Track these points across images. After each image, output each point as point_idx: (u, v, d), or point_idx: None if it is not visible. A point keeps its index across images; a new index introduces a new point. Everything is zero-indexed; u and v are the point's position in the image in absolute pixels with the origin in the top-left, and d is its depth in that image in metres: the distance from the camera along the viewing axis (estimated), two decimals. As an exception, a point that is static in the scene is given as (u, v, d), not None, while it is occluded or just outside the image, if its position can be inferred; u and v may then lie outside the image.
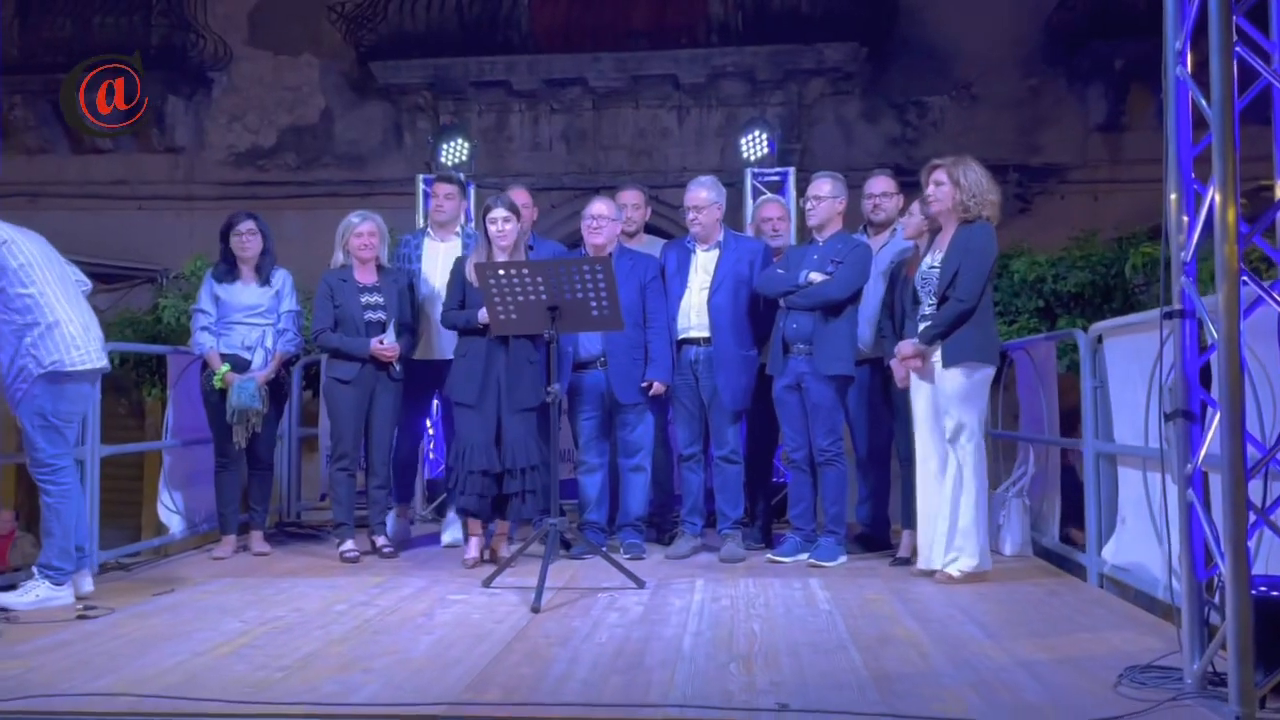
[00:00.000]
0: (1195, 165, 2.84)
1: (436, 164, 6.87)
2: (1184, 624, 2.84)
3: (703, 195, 5.22)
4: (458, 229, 5.69)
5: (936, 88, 11.28)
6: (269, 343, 5.23)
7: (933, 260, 4.51)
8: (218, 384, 5.11)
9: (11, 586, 4.18)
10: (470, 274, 4.87)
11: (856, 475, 5.33)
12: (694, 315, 5.22)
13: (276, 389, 5.30)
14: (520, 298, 4.40)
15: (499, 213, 4.86)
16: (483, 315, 4.71)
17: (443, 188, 5.64)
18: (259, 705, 2.78)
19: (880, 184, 5.41)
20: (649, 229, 5.96)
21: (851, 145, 11.26)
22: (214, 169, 11.78)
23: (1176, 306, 2.84)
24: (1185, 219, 2.83)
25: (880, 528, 5.33)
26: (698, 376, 5.23)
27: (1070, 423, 5.25)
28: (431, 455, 6.56)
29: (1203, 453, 2.76)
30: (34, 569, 4.10)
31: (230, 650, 3.41)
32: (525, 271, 4.38)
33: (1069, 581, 4.67)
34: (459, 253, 5.39)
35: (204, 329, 5.19)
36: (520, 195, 5.50)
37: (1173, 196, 2.84)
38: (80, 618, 3.92)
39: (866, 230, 5.42)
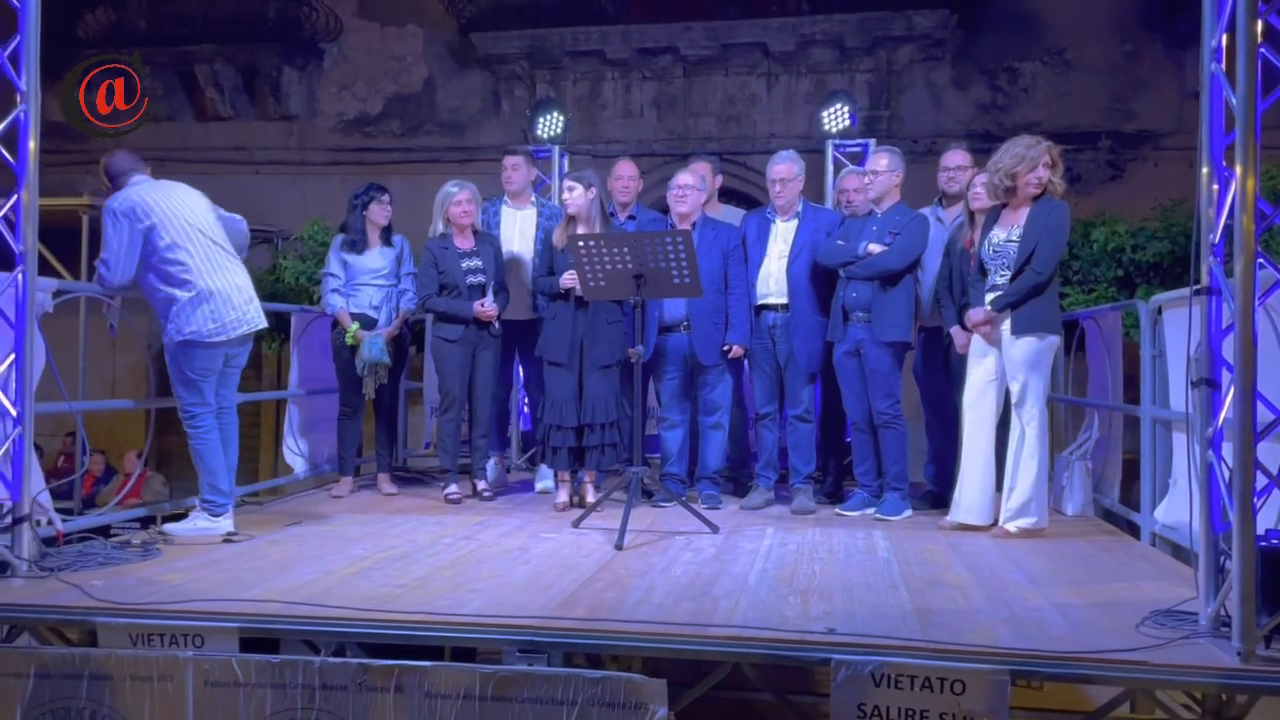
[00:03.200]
0: (1226, 154, 3.07)
1: (532, 136, 7.22)
2: (1200, 571, 3.12)
3: (789, 169, 5.44)
4: (532, 198, 5.95)
5: (1028, 53, 11.30)
6: (393, 302, 5.61)
7: (1008, 234, 4.64)
8: (350, 341, 5.47)
9: (177, 517, 4.71)
10: (557, 240, 5.22)
11: (926, 438, 5.57)
12: (772, 282, 5.45)
13: (398, 344, 5.68)
14: (608, 266, 4.66)
15: (567, 183, 5.27)
16: (565, 280, 5.05)
17: (509, 159, 5.90)
18: (386, 613, 3.26)
19: (955, 158, 5.58)
20: (733, 195, 6.20)
21: (940, 112, 11.39)
22: (325, 136, 12.49)
23: (1204, 284, 3.10)
24: (1215, 203, 3.08)
25: (946, 486, 5.43)
26: (775, 340, 5.48)
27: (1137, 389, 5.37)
28: (526, 409, 6.95)
29: (1222, 416, 3.03)
30: (196, 501, 4.62)
31: (355, 571, 3.92)
32: (613, 242, 4.65)
33: (1122, 539, 4.88)
34: (534, 220, 5.70)
35: (334, 291, 5.58)
36: (627, 167, 5.83)
37: (1205, 171, 3.08)
38: (226, 541, 4.50)
39: (941, 202, 5.60)
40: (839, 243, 5.27)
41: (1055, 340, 4.64)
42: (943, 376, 5.37)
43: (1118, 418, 5.53)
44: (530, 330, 5.60)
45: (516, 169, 5.88)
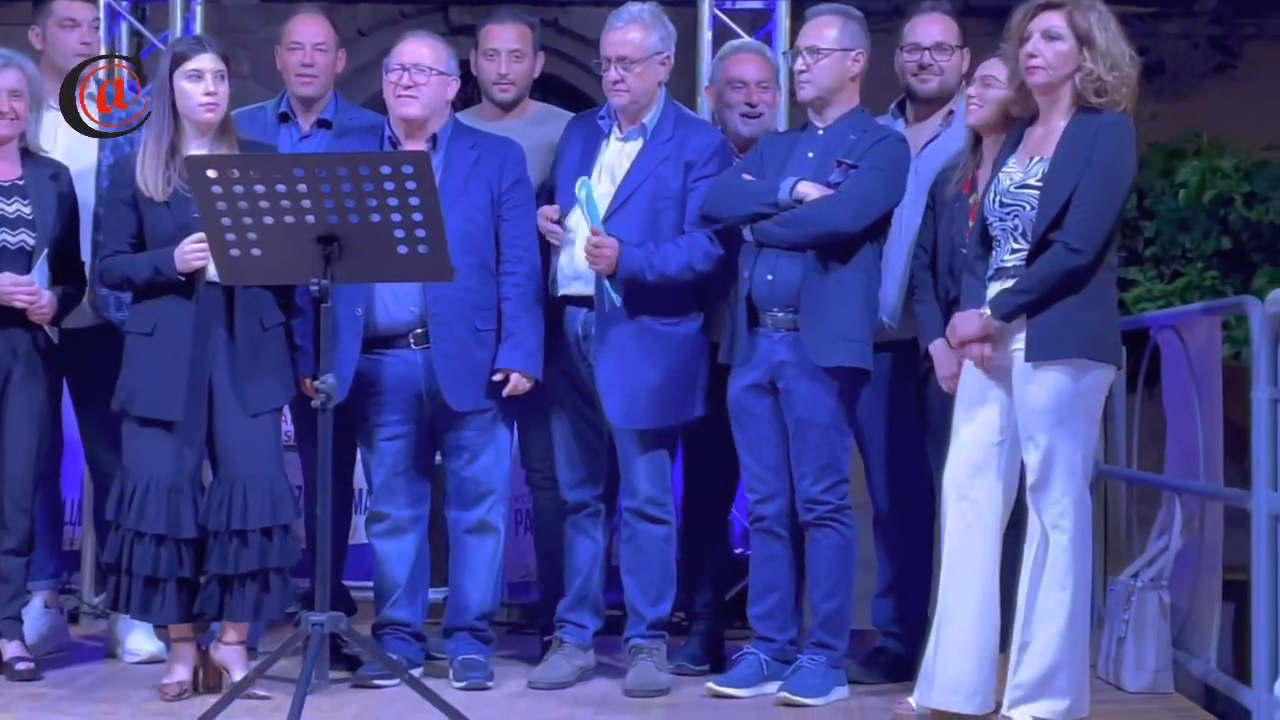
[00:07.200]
0: None
1: None
2: None
3: (639, 39, 3.73)
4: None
5: None
6: None
7: (1022, 172, 3.42)
8: None
9: None
10: (146, 181, 3.62)
11: (876, 547, 3.96)
12: (580, 254, 3.74)
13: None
14: (265, 221, 3.26)
15: (203, 62, 3.55)
16: (184, 254, 3.53)
17: (61, 7, 4.12)
18: None
19: (932, 28, 3.88)
20: (548, 87, 4.32)
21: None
22: None
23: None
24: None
25: (911, 641, 3.80)
26: (589, 363, 3.75)
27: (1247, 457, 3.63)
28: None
29: None
30: None
31: None
32: (274, 171, 3.24)
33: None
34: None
35: None
36: (311, 25, 4.09)
37: None
38: None
39: (905, 108, 3.94)
40: (745, 178, 3.70)
41: (1106, 373, 3.35)
42: (913, 435, 3.84)
43: (1215, 510, 3.84)
44: (92, 349, 3.85)
45: (67, 27, 4.09)
